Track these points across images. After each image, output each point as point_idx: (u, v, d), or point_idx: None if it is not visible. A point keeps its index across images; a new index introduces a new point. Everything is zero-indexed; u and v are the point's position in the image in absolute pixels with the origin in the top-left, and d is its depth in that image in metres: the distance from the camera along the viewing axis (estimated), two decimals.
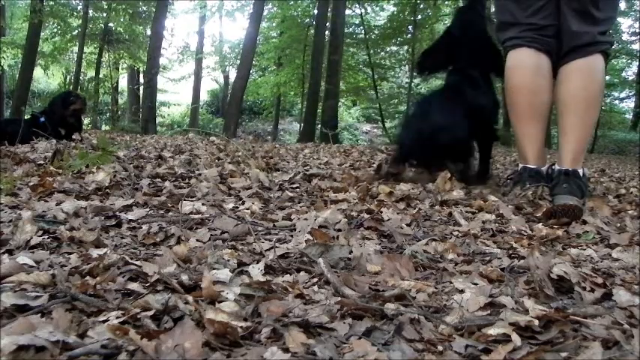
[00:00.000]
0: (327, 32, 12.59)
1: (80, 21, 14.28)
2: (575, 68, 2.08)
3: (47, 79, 21.31)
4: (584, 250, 1.38)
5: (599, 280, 1.03)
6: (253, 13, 11.93)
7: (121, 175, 2.13)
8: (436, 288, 1.03)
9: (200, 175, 2.33)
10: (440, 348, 0.76)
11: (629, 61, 20.40)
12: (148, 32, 14.42)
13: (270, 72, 20.37)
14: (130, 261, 1.02)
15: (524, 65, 2.15)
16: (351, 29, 17.85)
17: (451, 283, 1.05)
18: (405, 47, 17.53)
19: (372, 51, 17.44)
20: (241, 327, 0.74)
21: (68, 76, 16.26)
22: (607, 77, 17.01)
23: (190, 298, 0.84)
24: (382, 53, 18.70)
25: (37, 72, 15.54)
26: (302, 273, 1.06)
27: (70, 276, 0.92)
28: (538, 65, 2.13)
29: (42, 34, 13.09)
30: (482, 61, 2.47)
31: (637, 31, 18.71)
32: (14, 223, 1.20)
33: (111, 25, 15.31)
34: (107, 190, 1.84)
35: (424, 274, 1.14)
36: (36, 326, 0.69)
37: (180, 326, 0.72)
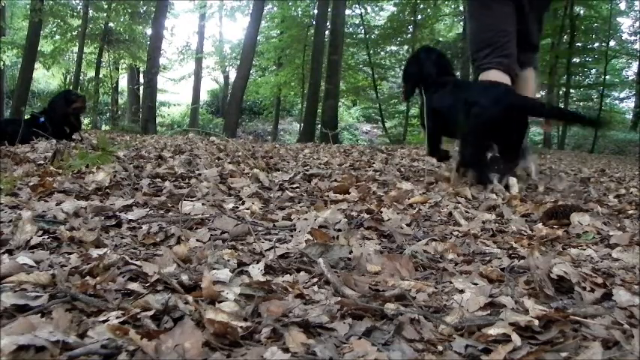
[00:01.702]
0: (327, 32, 12.58)
1: (80, 21, 14.26)
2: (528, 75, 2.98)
3: (47, 79, 21.31)
4: (584, 250, 1.38)
5: (599, 280, 1.03)
6: (253, 13, 11.93)
7: (121, 175, 2.13)
8: (436, 288, 1.03)
9: (200, 175, 2.33)
10: (440, 348, 0.76)
11: (629, 61, 20.43)
12: (148, 32, 14.41)
13: (270, 72, 20.36)
14: (130, 261, 1.02)
15: None
16: (351, 29, 17.85)
17: (451, 283, 1.05)
18: (405, 47, 17.53)
19: (372, 51, 17.45)
20: (241, 327, 0.74)
21: (68, 76, 16.24)
22: (607, 77, 17.20)
23: (190, 298, 0.84)
24: (382, 53, 18.71)
25: (37, 72, 15.52)
26: (302, 273, 1.06)
27: (70, 276, 0.92)
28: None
29: (42, 33, 13.08)
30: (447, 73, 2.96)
31: (637, 30, 18.73)
32: (14, 223, 1.20)
33: (111, 25, 15.29)
34: (107, 190, 1.84)
35: (424, 274, 1.14)
36: (36, 326, 0.69)
37: (180, 326, 0.72)
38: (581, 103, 19.75)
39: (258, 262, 1.10)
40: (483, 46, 2.86)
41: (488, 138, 2.57)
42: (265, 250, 1.22)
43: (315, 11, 14.43)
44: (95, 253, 1.07)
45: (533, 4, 2.91)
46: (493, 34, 2.83)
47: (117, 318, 0.75)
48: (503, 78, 2.74)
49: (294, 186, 2.31)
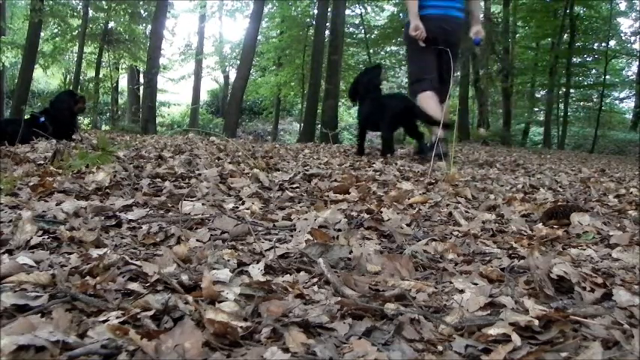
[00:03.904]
0: (327, 32, 12.57)
1: (80, 21, 14.25)
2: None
3: (47, 79, 21.30)
4: (584, 250, 1.38)
5: (599, 280, 1.03)
6: (253, 13, 11.92)
7: (121, 175, 2.13)
8: (436, 288, 1.03)
9: (200, 175, 2.33)
10: (440, 348, 0.76)
11: (629, 61, 20.43)
12: (149, 32, 14.39)
13: (270, 72, 20.35)
14: (130, 261, 1.02)
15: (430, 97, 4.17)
16: (351, 29, 17.82)
17: (451, 283, 1.05)
18: (405, 47, 17.52)
19: (372, 51, 17.43)
20: (241, 327, 0.74)
21: (68, 76, 16.23)
22: (607, 77, 17.20)
23: (190, 298, 0.84)
24: (382, 53, 18.69)
25: (37, 72, 15.51)
26: (302, 273, 1.06)
27: (70, 276, 0.92)
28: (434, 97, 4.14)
29: (42, 34, 13.06)
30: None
31: (637, 31, 18.73)
32: (14, 223, 1.20)
33: (111, 25, 15.28)
34: (107, 190, 1.84)
35: (424, 274, 1.14)
36: (36, 326, 0.69)
37: (180, 326, 0.72)
38: (582, 103, 19.76)
39: (258, 262, 1.10)
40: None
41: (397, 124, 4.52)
42: (265, 250, 1.22)
43: (315, 11, 14.41)
44: (95, 253, 1.07)
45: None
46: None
47: (117, 318, 0.75)
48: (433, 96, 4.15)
49: (294, 186, 2.31)
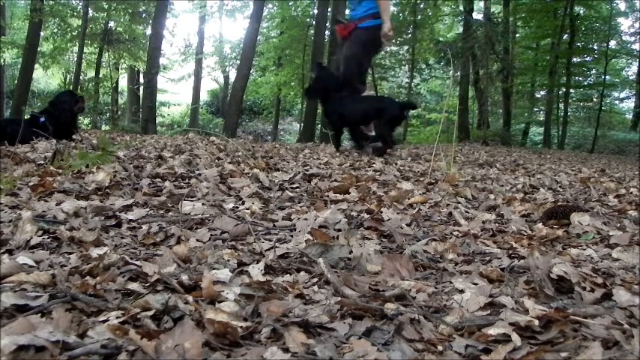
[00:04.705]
0: (327, 32, 12.58)
1: (80, 21, 14.24)
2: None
3: (47, 79, 21.29)
4: (584, 250, 1.38)
5: (599, 280, 1.03)
6: (253, 13, 11.91)
7: (121, 175, 2.13)
8: (436, 288, 1.03)
9: (200, 175, 2.32)
10: (440, 348, 0.76)
11: (629, 61, 20.43)
12: (149, 32, 14.39)
13: (270, 72, 20.36)
14: (130, 261, 1.02)
15: None
16: None
17: (451, 283, 1.05)
18: (405, 47, 17.51)
19: None
20: (241, 327, 0.74)
21: (68, 76, 16.20)
22: (607, 77, 17.20)
23: (190, 298, 0.84)
24: (382, 53, 18.68)
25: (37, 72, 15.51)
26: (302, 273, 1.06)
27: (70, 276, 0.92)
28: None
29: (42, 34, 13.07)
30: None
31: (637, 31, 18.74)
32: (14, 223, 1.20)
33: (111, 25, 15.28)
34: (107, 190, 1.84)
35: (424, 274, 1.14)
36: (36, 326, 0.69)
37: (180, 326, 0.72)
38: (581, 103, 19.76)
39: (258, 262, 1.10)
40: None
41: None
42: (265, 250, 1.22)
43: (315, 11, 14.41)
44: (95, 253, 1.07)
45: None
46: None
47: (117, 318, 0.75)
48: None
49: (294, 186, 2.31)
